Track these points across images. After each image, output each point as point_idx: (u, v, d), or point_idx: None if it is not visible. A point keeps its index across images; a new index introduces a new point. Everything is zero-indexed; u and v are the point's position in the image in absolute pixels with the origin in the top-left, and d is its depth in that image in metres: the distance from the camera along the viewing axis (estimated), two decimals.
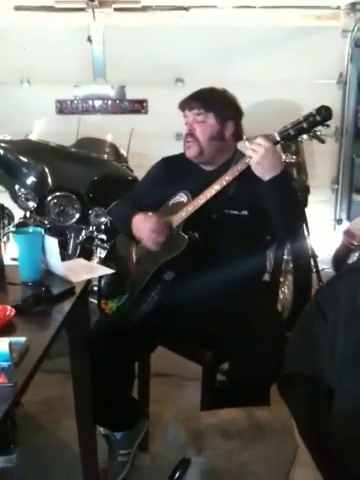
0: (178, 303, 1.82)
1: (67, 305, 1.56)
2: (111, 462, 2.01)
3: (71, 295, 1.61)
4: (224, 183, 1.81)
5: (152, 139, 4.14)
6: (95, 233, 3.15)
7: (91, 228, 3.12)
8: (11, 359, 1.08)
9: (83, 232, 3.13)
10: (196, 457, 1.31)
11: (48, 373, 2.41)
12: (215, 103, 1.90)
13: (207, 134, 1.89)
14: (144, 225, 1.90)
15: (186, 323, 1.88)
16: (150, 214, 1.93)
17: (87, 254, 3.13)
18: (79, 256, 3.09)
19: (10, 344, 1.07)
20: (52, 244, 1.69)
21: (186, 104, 1.94)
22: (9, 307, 1.43)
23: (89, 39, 4.29)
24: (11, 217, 3.46)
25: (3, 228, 3.31)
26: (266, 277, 2.13)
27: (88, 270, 1.78)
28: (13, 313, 1.41)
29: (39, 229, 1.76)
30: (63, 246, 3.10)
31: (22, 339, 1.25)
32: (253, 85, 4.05)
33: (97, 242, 3.19)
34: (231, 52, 4.17)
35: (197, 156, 1.92)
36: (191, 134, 1.91)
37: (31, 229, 1.76)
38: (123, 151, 3.62)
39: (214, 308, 1.84)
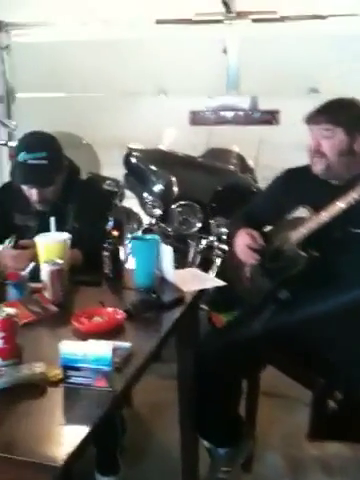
0: (292, 324, 1.75)
1: (176, 313, 1.57)
2: (211, 477, 1.98)
3: (180, 304, 1.61)
4: (351, 201, 1.69)
5: (282, 151, 4.05)
6: (215, 243, 3.16)
7: (212, 238, 3.14)
8: (113, 364, 1.09)
9: (204, 241, 3.16)
10: None
11: (161, 377, 2.46)
12: (344, 116, 1.77)
13: (335, 150, 1.77)
14: (241, 239, 1.87)
15: (299, 345, 1.79)
16: (254, 232, 1.89)
17: (207, 263, 3.16)
18: (199, 265, 3.13)
19: (113, 349, 1.09)
20: (167, 252, 1.71)
21: (312, 118, 1.82)
22: (120, 311, 1.47)
23: (224, 50, 4.33)
24: (140, 223, 3.60)
25: (131, 232, 3.46)
26: None
27: (200, 280, 1.78)
28: (123, 317, 1.45)
29: (155, 236, 1.80)
30: (184, 254, 3.15)
31: (127, 344, 1.27)
32: None
33: (217, 252, 3.19)
34: None
35: (324, 172, 1.82)
36: (318, 150, 1.80)
37: (148, 236, 1.80)
38: (251, 162, 3.59)
39: (331, 333, 1.73)
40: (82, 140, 3.96)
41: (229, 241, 2.81)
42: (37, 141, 1.93)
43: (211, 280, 1.82)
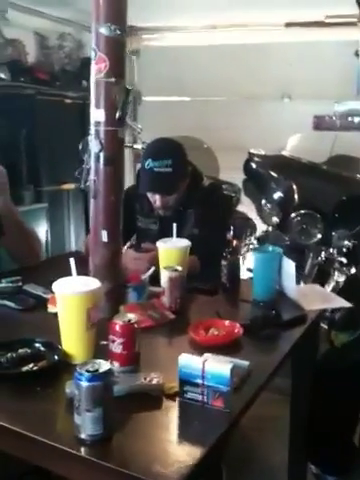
0: None
1: (296, 333, 1.49)
2: None
3: (301, 323, 1.53)
4: None
5: None
6: (335, 255, 3.00)
7: (332, 250, 2.98)
8: (231, 384, 1.05)
9: (323, 253, 3.02)
10: None
11: (270, 391, 2.38)
12: None
13: None
14: None
15: None
16: None
17: (324, 276, 3.01)
18: (316, 277, 2.99)
19: (232, 369, 1.05)
20: (289, 266, 1.64)
21: None
22: (238, 325, 1.42)
23: (356, 53, 4.12)
24: (254, 229, 3.53)
25: (245, 238, 3.40)
26: None
27: (323, 299, 1.68)
28: (241, 332, 1.39)
29: (278, 249, 1.73)
30: (300, 265, 3.03)
31: (245, 363, 1.21)
32: None
33: (336, 265, 3.03)
34: None
35: None
36: None
37: (270, 248, 1.73)
38: None
39: None
40: (203, 144, 3.98)
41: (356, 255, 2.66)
42: (163, 148, 1.95)
43: (335, 300, 1.70)
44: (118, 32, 1.33)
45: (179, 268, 1.58)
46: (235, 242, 1.75)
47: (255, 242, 3.32)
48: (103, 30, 1.33)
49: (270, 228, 3.19)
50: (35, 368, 1.18)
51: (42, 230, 3.87)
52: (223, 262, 1.75)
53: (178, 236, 1.76)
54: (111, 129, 1.39)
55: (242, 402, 1.10)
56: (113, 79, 1.36)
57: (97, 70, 1.36)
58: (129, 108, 1.37)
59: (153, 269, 1.62)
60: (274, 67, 4.26)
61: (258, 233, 3.38)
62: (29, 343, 1.27)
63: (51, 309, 1.51)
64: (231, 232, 1.76)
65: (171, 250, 1.68)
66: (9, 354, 1.23)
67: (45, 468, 1.05)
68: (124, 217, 1.59)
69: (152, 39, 4.80)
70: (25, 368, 1.18)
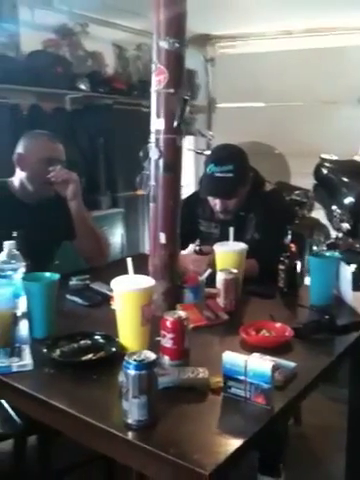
0: None
1: (350, 339, 1.48)
2: None
3: (356, 329, 1.52)
4: None
5: None
6: None
7: None
8: (272, 382, 1.08)
9: None
10: None
11: (333, 401, 2.39)
12: None
13: None
14: None
15: None
16: None
17: None
18: None
19: (273, 367, 1.08)
20: (346, 272, 1.63)
21: None
22: (289, 328, 1.44)
23: None
24: (327, 235, 3.49)
25: (317, 245, 3.37)
26: None
27: None
28: (291, 334, 1.42)
29: (336, 254, 1.73)
30: None
31: (291, 364, 1.24)
32: None
33: None
34: None
35: None
36: None
37: (328, 253, 1.74)
38: None
39: None
40: (274, 150, 3.99)
41: None
42: (225, 154, 2.00)
43: None
44: (177, 45, 1.41)
45: (234, 271, 1.63)
46: (293, 246, 1.77)
47: (324, 248, 3.28)
48: (163, 44, 1.41)
49: (340, 235, 3.15)
50: (93, 358, 1.28)
51: (118, 234, 4.03)
52: (281, 266, 1.77)
53: (239, 240, 1.81)
54: (170, 137, 1.47)
55: (284, 400, 1.13)
56: (172, 90, 1.44)
57: (157, 82, 1.45)
58: (185, 117, 1.44)
59: (210, 271, 1.68)
60: (351, 71, 4.19)
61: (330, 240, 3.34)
62: (90, 335, 1.38)
63: (113, 305, 1.61)
64: (289, 237, 1.78)
65: (228, 253, 1.73)
66: (72, 345, 1.34)
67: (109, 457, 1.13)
68: (186, 221, 1.65)
69: (228, 47, 4.86)
70: (84, 358, 1.29)
